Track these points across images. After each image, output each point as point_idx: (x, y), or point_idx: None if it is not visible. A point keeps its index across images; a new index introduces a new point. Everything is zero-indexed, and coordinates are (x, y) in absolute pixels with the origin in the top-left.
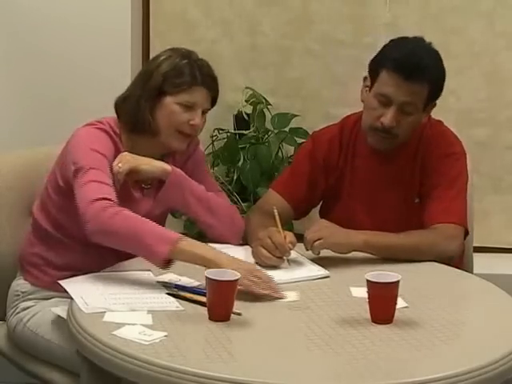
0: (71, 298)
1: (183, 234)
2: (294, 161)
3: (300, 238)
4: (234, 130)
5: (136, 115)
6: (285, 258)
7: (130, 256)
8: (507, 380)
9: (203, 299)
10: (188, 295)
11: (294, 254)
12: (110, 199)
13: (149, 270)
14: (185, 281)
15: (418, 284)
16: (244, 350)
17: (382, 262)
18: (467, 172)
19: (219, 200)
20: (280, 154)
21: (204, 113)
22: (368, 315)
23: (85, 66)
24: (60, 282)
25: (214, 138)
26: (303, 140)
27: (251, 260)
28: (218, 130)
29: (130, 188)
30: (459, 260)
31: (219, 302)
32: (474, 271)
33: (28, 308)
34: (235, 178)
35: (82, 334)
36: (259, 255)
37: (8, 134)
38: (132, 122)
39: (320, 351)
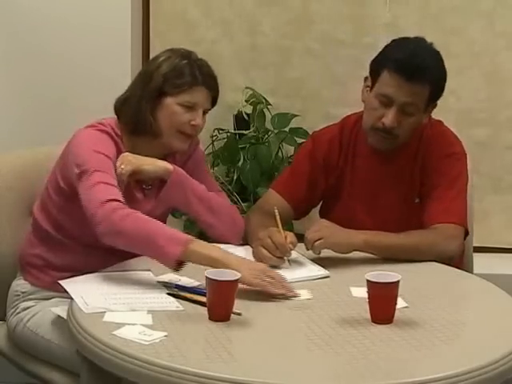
0: (71, 298)
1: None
2: (293, 161)
3: (300, 237)
4: (234, 130)
5: (137, 116)
6: (285, 258)
7: (130, 257)
8: (507, 380)
9: (203, 299)
10: (188, 295)
11: (294, 254)
12: (119, 200)
13: (149, 270)
14: (185, 281)
15: (418, 284)
16: (244, 350)
17: (382, 261)
18: (467, 172)
19: (220, 200)
20: (280, 154)
21: (205, 113)
22: (368, 315)
23: (85, 66)
24: (60, 281)
25: (214, 138)
26: (303, 140)
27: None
28: (218, 130)
29: (132, 189)
30: (459, 260)
31: (219, 302)
32: (474, 271)
33: (28, 308)
34: (235, 177)
35: (82, 334)
36: (260, 255)
37: (8, 134)
38: (133, 124)
39: (320, 351)
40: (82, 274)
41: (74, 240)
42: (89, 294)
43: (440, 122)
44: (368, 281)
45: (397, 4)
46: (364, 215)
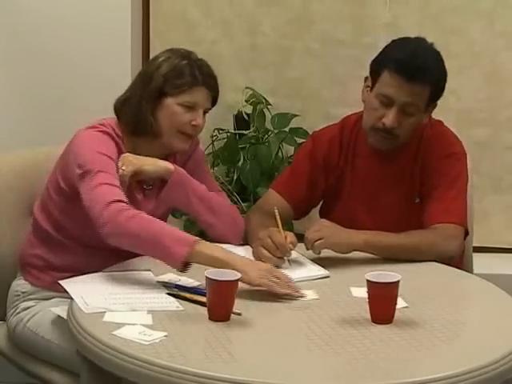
0: (71, 298)
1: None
2: (293, 161)
3: (300, 237)
4: (234, 130)
5: (137, 117)
6: (285, 258)
7: (131, 257)
8: (507, 380)
9: (203, 299)
10: (188, 295)
11: (294, 254)
12: (124, 201)
13: (149, 270)
14: (185, 281)
15: (418, 284)
16: (244, 350)
17: (383, 262)
18: (467, 172)
19: (220, 200)
20: (280, 154)
21: (205, 112)
22: (368, 315)
23: (85, 66)
24: (60, 281)
25: (214, 138)
26: (303, 140)
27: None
28: (218, 130)
29: (132, 189)
30: (459, 260)
31: (219, 302)
32: (474, 271)
33: (28, 308)
34: (235, 177)
35: (82, 334)
36: (260, 255)
37: (8, 134)
38: (133, 124)
39: (320, 351)
40: (83, 275)
41: (74, 240)
42: (89, 294)
43: (440, 122)
44: (368, 281)
45: (397, 4)
46: (364, 215)
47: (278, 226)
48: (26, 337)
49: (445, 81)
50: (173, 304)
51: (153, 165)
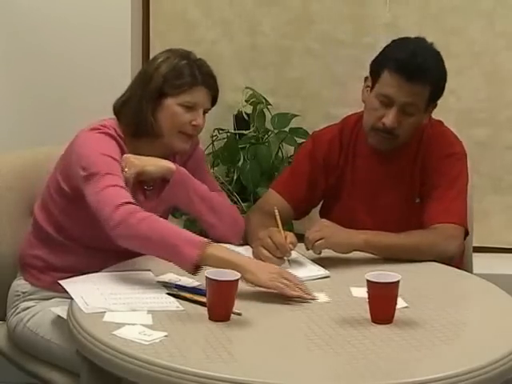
0: (71, 298)
1: None
2: (293, 161)
3: (300, 237)
4: (234, 130)
5: (138, 118)
6: (285, 258)
7: (131, 258)
8: (507, 380)
9: (203, 299)
10: (188, 295)
11: (294, 254)
12: (133, 203)
13: (149, 270)
14: (185, 281)
15: (418, 284)
16: (244, 349)
17: (383, 262)
18: (467, 172)
19: (221, 199)
20: (280, 154)
21: (205, 112)
22: (368, 315)
23: (85, 66)
24: (60, 281)
25: (214, 138)
26: (303, 140)
27: None
28: (218, 130)
29: (135, 190)
30: (459, 260)
31: (219, 302)
32: (474, 271)
33: (28, 308)
34: (235, 177)
35: (82, 334)
36: (260, 255)
37: (8, 134)
38: (134, 125)
39: (320, 351)
40: (83, 275)
41: (74, 241)
42: (89, 294)
43: (440, 122)
44: (368, 281)
45: (397, 4)
46: (364, 215)
47: (278, 226)
48: (25, 337)
49: (445, 81)
50: (173, 304)
51: (155, 165)
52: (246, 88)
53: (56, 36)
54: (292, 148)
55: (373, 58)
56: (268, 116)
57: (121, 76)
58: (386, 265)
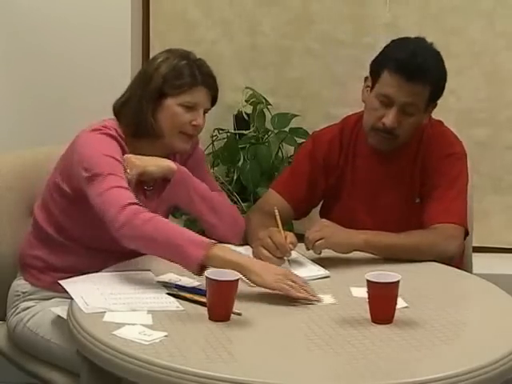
0: (71, 298)
1: None
2: (294, 161)
3: (300, 237)
4: (234, 130)
5: (138, 118)
6: (285, 258)
7: (132, 258)
8: (507, 380)
9: (203, 299)
10: (188, 295)
11: (294, 254)
12: (138, 203)
13: (149, 270)
14: (185, 281)
15: (418, 284)
16: (244, 349)
17: (383, 261)
18: (467, 172)
19: (221, 199)
20: (280, 154)
21: (205, 112)
22: (368, 315)
23: (85, 66)
24: (60, 281)
25: (214, 138)
26: (303, 140)
27: None
28: (218, 130)
29: (136, 190)
30: (459, 260)
31: (219, 302)
32: (474, 271)
33: (28, 308)
34: (235, 177)
35: (82, 334)
36: (260, 255)
37: (8, 134)
38: (134, 125)
39: (320, 351)
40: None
41: (75, 242)
42: (89, 294)
43: (440, 122)
44: (368, 281)
45: (397, 4)
46: (364, 215)
47: (278, 226)
48: (25, 337)
49: (445, 80)
50: (173, 304)
51: (156, 165)
52: (246, 88)
53: (56, 36)
54: (292, 148)
55: (373, 58)
56: (268, 116)
57: (121, 76)
58: (386, 265)
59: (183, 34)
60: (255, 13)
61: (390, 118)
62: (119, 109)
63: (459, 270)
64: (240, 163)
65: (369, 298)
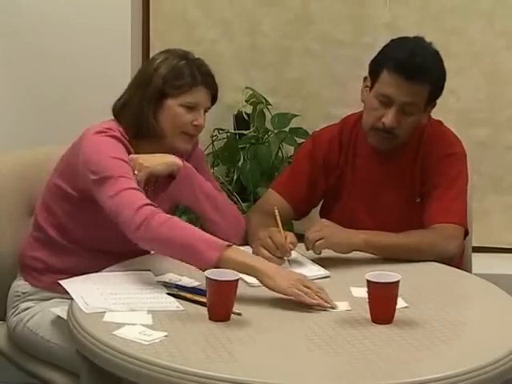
0: (71, 298)
1: None
2: (293, 161)
3: (300, 237)
4: (234, 130)
5: (139, 120)
6: (285, 258)
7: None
8: (507, 380)
9: (203, 299)
10: (188, 295)
11: (294, 254)
12: (153, 204)
13: (149, 270)
14: (185, 281)
15: (418, 284)
16: (244, 349)
17: (382, 261)
18: (467, 172)
19: (224, 198)
20: (280, 154)
21: (205, 111)
22: (368, 315)
23: (85, 66)
24: (60, 281)
25: (214, 138)
26: (303, 140)
27: None
28: (218, 130)
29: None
30: (459, 260)
31: (219, 301)
32: (474, 271)
33: (28, 308)
34: (235, 177)
35: (82, 334)
36: (260, 255)
37: (8, 134)
38: (135, 127)
39: (320, 351)
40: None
41: (77, 243)
42: (89, 294)
43: (440, 122)
44: (368, 281)
45: (397, 4)
46: (364, 215)
47: (278, 226)
48: (25, 337)
49: (444, 80)
50: (173, 304)
51: (163, 163)
52: (246, 88)
53: (56, 36)
54: (292, 148)
55: (372, 57)
56: (268, 116)
57: (121, 76)
58: (386, 265)
59: (183, 34)
60: (255, 13)
61: (389, 118)
62: (119, 110)
63: (459, 270)
64: (240, 163)
65: (369, 297)
